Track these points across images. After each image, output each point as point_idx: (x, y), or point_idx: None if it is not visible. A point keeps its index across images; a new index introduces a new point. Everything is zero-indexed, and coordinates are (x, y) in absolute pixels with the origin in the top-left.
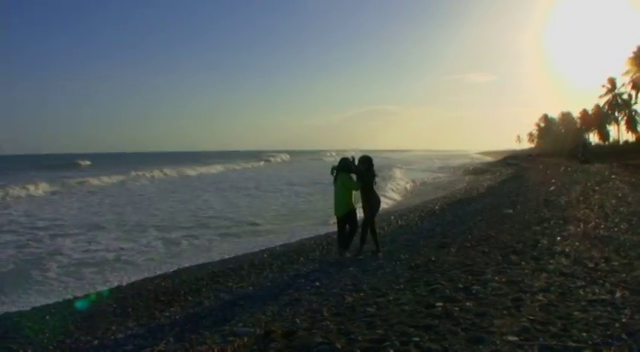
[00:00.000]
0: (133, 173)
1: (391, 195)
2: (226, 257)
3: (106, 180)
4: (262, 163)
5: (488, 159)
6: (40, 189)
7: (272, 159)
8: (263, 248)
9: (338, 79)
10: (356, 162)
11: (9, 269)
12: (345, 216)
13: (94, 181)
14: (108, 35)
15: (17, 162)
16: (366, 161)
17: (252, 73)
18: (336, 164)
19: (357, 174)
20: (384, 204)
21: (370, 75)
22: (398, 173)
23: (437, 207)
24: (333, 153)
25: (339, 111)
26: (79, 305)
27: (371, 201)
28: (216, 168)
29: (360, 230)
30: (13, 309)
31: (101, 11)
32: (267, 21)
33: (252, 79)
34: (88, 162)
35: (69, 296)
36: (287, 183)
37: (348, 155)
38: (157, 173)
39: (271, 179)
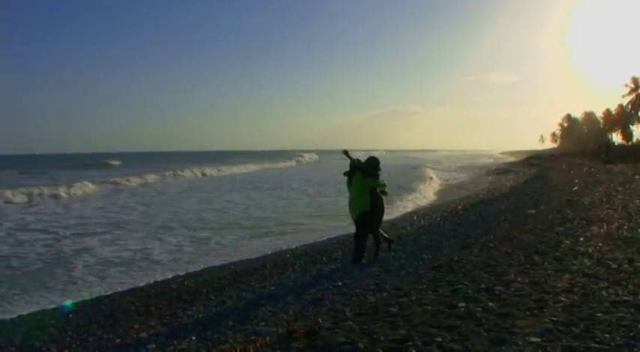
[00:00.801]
0: (166, 173)
1: (429, 195)
2: (250, 257)
3: (137, 180)
4: (294, 163)
5: (511, 159)
6: (83, 189)
7: (301, 158)
8: (286, 247)
9: (361, 78)
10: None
11: (36, 267)
12: (361, 218)
13: (132, 181)
14: (131, 35)
15: (48, 161)
16: (375, 163)
17: (274, 72)
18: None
19: (370, 175)
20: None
21: (393, 74)
22: (431, 173)
23: (460, 206)
24: (359, 153)
25: (361, 111)
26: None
27: (379, 203)
28: (249, 168)
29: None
30: (37, 308)
31: (124, 10)
32: (290, 20)
33: (275, 79)
34: (117, 162)
35: (93, 295)
36: (317, 182)
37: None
38: (188, 173)
39: (307, 178)
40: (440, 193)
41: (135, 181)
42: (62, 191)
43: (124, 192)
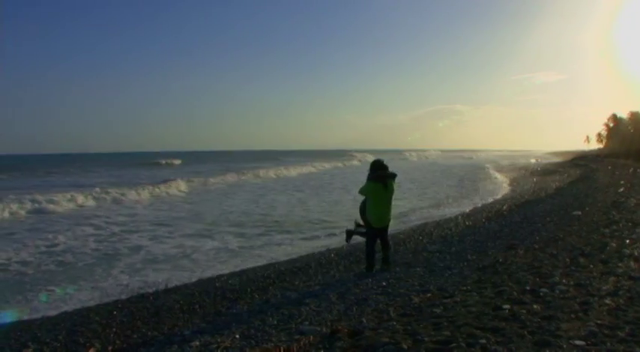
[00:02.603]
0: (246, 173)
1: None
2: (294, 256)
3: (222, 179)
4: (357, 162)
5: (557, 159)
6: (176, 187)
7: (362, 158)
8: (332, 247)
9: (406, 77)
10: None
11: (84, 264)
12: (386, 228)
13: (219, 180)
14: (177, 34)
15: (106, 160)
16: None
17: (319, 72)
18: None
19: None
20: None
21: (438, 74)
22: (494, 173)
23: (504, 207)
24: (413, 153)
25: (406, 111)
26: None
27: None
28: (317, 168)
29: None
30: (79, 305)
31: (171, 10)
32: (334, 20)
33: (321, 78)
34: (178, 161)
35: (136, 293)
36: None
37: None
38: (262, 173)
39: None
40: (516, 192)
41: (221, 180)
42: (161, 190)
43: (217, 191)
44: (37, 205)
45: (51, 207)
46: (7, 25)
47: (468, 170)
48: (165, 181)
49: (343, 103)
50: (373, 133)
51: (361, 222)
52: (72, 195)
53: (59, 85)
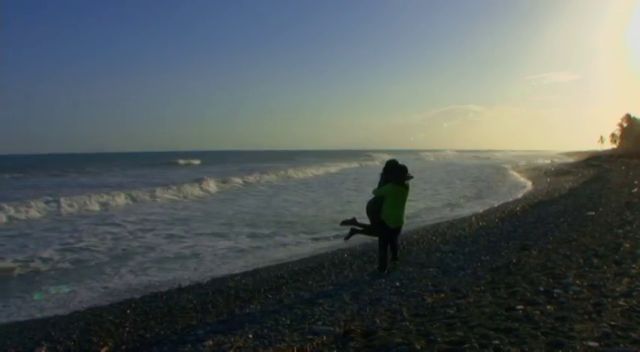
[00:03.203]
0: (259, 173)
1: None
2: (307, 256)
3: (239, 180)
4: (378, 163)
5: (570, 160)
6: (211, 186)
7: (380, 158)
8: (344, 247)
9: (419, 78)
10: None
11: (99, 262)
12: (400, 228)
13: (249, 179)
14: (190, 34)
15: (122, 159)
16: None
17: (333, 72)
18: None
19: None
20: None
21: (451, 74)
22: (514, 173)
23: (518, 207)
24: (428, 153)
25: (420, 111)
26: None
27: None
28: (337, 168)
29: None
30: (92, 304)
31: (186, 9)
32: (347, 20)
33: (335, 78)
34: (197, 161)
35: (151, 291)
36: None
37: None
38: (290, 172)
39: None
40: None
41: (251, 180)
42: (195, 189)
43: (254, 190)
44: (64, 205)
45: (78, 206)
46: (21, 26)
47: (489, 171)
48: (197, 180)
49: (356, 103)
50: (387, 133)
51: (357, 222)
52: (103, 195)
53: (72, 85)
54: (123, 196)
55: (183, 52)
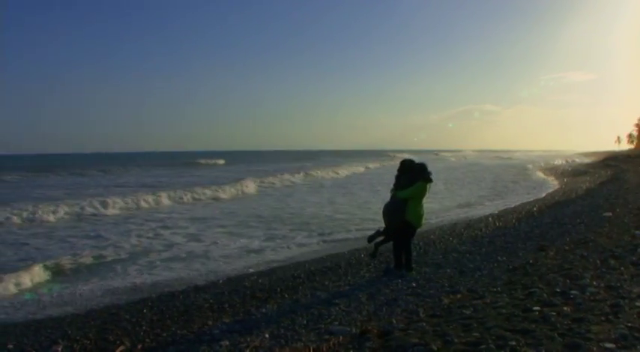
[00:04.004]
0: (290, 174)
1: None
2: (323, 255)
3: (274, 179)
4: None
5: (587, 160)
6: (247, 187)
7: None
8: (360, 246)
9: (436, 77)
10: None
11: (112, 259)
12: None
13: (286, 179)
14: (203, 37)
15: (144, 159)
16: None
17: (350, 72)
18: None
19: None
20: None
21: (468, 74)
22: (540, 173)
23: (535, 208)
24: (447, 153)
25: (437, 111)
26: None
27: None
28: (365, 167)
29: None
30: (109, 303)
31: (203, 9)
32: (364, 21)
33: (351, 78)
34: (221, 161)
35: (166, 291)
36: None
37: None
38: (318, 172)
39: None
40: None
41: (284, 180)
42: (237, 190)
43: (294, 189)
44: (110, 205)
45: (126, 206)
46: (39, 27)
47: (514, 171)
48: (237, 181)
49: (375, 103)
50: (405, 133)
51: (380, 233)
52: (142, 195)
53: (89, 85)
54: (182, 195)
55: (197, 54)
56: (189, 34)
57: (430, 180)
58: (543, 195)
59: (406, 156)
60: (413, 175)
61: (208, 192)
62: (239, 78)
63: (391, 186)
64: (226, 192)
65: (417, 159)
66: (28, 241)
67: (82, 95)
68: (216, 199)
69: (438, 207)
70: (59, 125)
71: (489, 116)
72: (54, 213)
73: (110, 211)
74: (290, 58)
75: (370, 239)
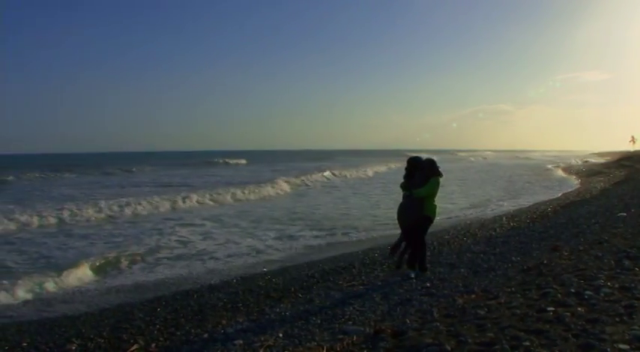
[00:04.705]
0: (319, 173)
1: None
2: (336, 254)
3: (305, 178)
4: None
5: (602, 160)
6: (282, 187)
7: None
8: (374, 246)
9: (450, 77)
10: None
11: (133, 252)
12: None
13: (314, 178)
14: (219, 36)
15: (163, 158)
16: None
17: (363, 71)
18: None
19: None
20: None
21: (482, 73)
22: (560, 172)
23: (549, 208)
24: (464, 153)
25: (451, 111)
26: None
27: None
28: (389, 166)
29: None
30: (123, 301)
31: (218, 10)
32: (378, 20)
33: (367, 78)
34: (243, 161)
35: (180, 290)
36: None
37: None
38: (355, 172)
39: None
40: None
41: (315, 179)
42: (273, 189)
43: (336, 188)
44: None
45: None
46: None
47: (538, 171)
48: (270, 180)
49: (389, 103)
50: (420, 133)
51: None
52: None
53: (102, 84)
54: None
55: (211, 55)
56: (205, 33)
57: (441, 175)
58: (573, 189)
59: (422, 156)
60: (425, 172)
61: (247, 192)
62: (253, 78)
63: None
64: (265, 191)
65: (416, 156)
66: (46, 241)
67: (95, 95)
68: (263, 199)
69: (478, 200)
70: (72, 125)
71: (503, 116)
72: (98, 211)
73: (155, 211)
74: (305, 57)
75: (392, 250)
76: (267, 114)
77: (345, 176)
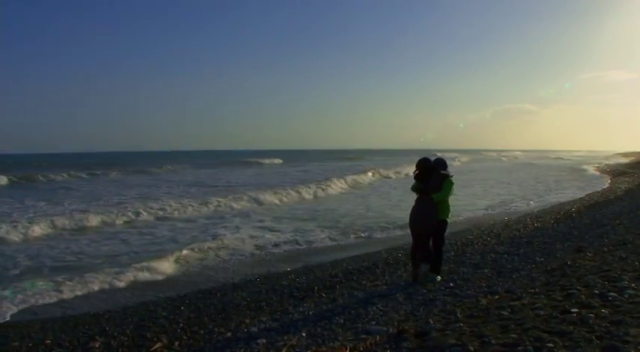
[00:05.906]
0: (369, 173)
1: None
2: (359, 253)
3: (358, 178)
4: (458, 163)
5: (627, 160)
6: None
7: (458, 158)
8: (397, 246)
9: (474, 77)
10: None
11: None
12: None
13: (367, 178)
14: (240, 38)
15: (189, 158)
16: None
17: (389, 71)
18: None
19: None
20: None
21: (506, 73)
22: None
23: (573, 209)
24: (492, 154)
25: (475, 110)
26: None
27: None
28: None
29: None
30: (146, 299)
31: (241, 9)
32: (400, 21)
33: (390, 77)
34: (279, 160)
35: (203, 288)
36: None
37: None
38: (393, 172)
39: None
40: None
41: (367, 179)
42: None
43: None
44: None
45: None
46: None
47: (576, 171)
48: (326, 180)
49: (412, 103)
50: (444, 133)
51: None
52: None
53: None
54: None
55: (235, 54)
56: (228, 33)
57: (450, 175)
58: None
59: (447, 155)
60: (439, 174)
61: (310, 191)
62: (277, 79)
63: (408, 187)
64: (324, 191)
65: (424, 158)
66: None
67: (116, 95)
68: (317, 197)
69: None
70: (95, 125)
71: (527, 116)
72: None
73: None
74: (329, 58)
75: (417, 261)
76: (293, 114)
77: (390, 176)
